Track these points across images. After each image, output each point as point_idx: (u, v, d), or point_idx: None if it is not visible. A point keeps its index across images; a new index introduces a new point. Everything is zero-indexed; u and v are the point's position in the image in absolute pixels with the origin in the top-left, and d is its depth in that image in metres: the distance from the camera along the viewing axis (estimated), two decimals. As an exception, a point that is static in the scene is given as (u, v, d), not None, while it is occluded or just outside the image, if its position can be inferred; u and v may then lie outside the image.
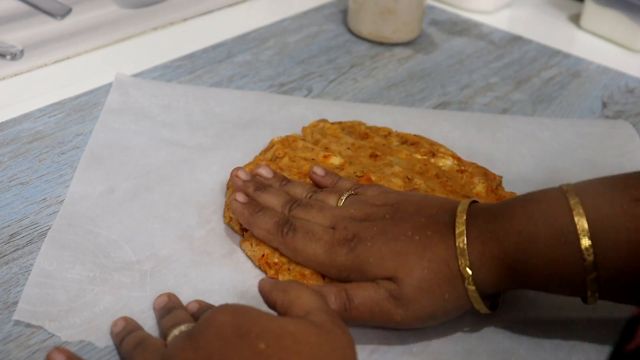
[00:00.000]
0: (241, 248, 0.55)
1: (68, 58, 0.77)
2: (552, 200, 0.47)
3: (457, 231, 0.47)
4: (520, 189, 0.62)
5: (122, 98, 0.70)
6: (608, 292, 0.46)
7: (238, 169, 0.57)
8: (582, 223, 0.45)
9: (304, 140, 0.65)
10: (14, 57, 0.75)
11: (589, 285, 0.45)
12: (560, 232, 0.45)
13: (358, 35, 0.86)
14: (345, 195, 0.54)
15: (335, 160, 0.62)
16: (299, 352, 0.39)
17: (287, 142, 0.64)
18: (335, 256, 0.50)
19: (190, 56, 0.79)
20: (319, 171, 0.58)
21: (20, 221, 0.56)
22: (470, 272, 0.46)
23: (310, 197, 0.55)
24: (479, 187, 0.61)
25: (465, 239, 0.47)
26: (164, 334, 0.46)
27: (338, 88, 0.77)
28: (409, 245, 0.48)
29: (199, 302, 0.50)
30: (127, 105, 0.69)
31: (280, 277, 0.52)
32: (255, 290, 0.52)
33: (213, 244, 0.55)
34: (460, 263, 0.47)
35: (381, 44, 0.85)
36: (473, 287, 0.47)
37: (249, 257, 0.54)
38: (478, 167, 0.63)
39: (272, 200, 0.55)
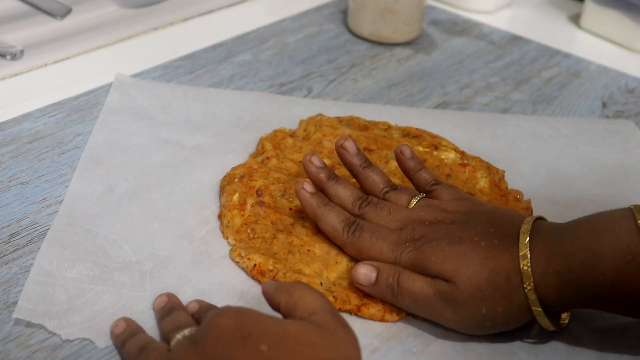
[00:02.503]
0: (232, 259, 0.54)
1: (68, 58, 0.77)
2: (620, 219, 0.46)
3: (520, 253, 0.47)
4: (521, 188, 0.62)
5: (122, 98, 0.70)
6: None
7: (312, 153, 0.55)
8: None
9: (292, 136, 0.65)
10: (14, 57, 0.75)
11: None
12: (628, 250, 0.44)
13: (358, 35, 0.86)
14: (418, 198, 0.53)
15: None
16: (301, 353, 0.39)
17: (275, 140, 0.64)
18: (399, 254, 0.50)
19: (190, 56, 0.79)
20: (406, 151, 0.55)
21: (20, 221, 0.56)
22: (535, 295, 0.46)
23: (385, 193, 0.54)
24: (482, 182, 0.61)
25: (529, 261, 0.46)
26: (165, 336, 0.46)
27: (338, 88, 0.77)
28: (473, 250, 0.48)
29: (199, 302, 0.50)
30: (126, 105, 0.69)
31: None
32: (255, 290, 0.52)
33: (213, 244, 0.55)
34: (525, 286, 0.46)
35: (381, 44, 0.85)
36: (539, 309, 0.47)
37: (241, 268, 0.53)
38: (481, 161, 0.63)
39: (343, 193, 0.54)
